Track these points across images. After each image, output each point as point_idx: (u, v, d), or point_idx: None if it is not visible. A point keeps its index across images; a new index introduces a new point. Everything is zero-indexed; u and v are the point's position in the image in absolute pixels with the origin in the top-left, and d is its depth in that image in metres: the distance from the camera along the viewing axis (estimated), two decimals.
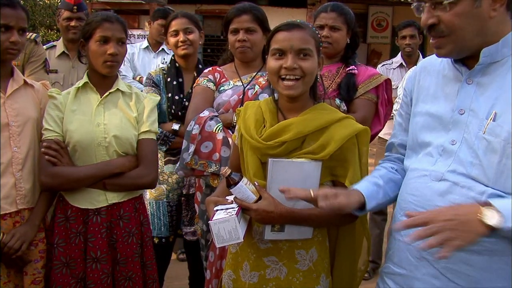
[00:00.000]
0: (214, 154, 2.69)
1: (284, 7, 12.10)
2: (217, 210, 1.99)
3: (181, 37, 3.31)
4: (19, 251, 2.33)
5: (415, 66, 2.01)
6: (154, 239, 3.27)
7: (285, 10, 11.93)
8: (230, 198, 2.04)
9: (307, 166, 1.98)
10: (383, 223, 4.81)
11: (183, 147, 2.76)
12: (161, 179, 3.31)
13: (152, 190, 3.32)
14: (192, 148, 2.69)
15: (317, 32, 2.08)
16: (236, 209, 1.95)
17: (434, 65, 1.85)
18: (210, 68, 3.05)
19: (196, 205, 3.07)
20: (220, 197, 2.13)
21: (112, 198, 2.46)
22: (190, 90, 3.28)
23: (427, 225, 1.46)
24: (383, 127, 3.07)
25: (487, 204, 1.45)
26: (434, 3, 1.61)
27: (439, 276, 1.66)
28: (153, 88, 3.31)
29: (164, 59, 5.28)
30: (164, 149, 3.21)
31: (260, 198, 1.97)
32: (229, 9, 2.93)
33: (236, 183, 1.94)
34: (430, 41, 1.69)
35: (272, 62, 2.02)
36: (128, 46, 2.59)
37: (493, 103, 1.61)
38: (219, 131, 2.70)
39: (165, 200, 3.31)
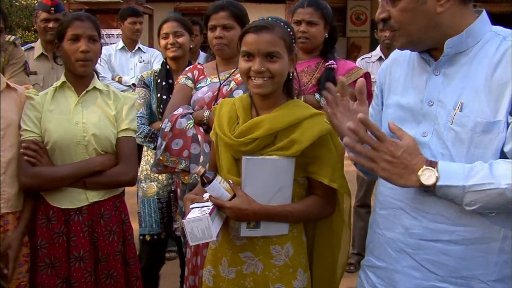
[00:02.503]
0: (184, 151, 2.71)
1: (263, 3, 12.11)
2: (192, 208, 2.00)
3: (170, 39, 3.49)
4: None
5: (387, 58, 2.02)
6: (146, 237, 3.36)
7: (264, 6, 11.95)
8: (206, 196, 2.05)
9: (281, 163, 2.00)
10: (367, 216, 4.83)
11: (158, 145, 2.79)
12: (152, 176, 3.37)
13: (144, 188, 3.39)
14: (163, 145, 2.72)
15: (289, 29, 2.07)
16: (211, 207, 1.97)
17: (404, 56, 1.87)
18: (191, 66, 3.07)
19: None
20: (197, 193, 2.15)
21: (93, 196, 2.46)
22: None
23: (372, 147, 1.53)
24: None
25: (433, 164, 1.51)
26: None
27: (419, 268, 1.68)
28: (144, 89, 3.44)
29: (141, 57, 5.32)
30: (153, 146, 3.29)
31: (234, 195, 1.99)
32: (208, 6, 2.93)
33: (210, 182, 1.95)
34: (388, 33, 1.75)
35: (242, 63, 2.04)
36: (104, 47, 2.58)
37: (459, 93, 1.62)
38: (190, 128, 2.71)
39: (155, 197, 3.37)
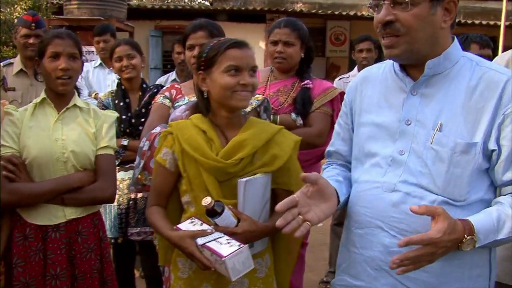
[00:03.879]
0: None
1: (243, 22, 12.19)
2: (204, 244, 1.90)
3: (124, 62, 3.68)
4: None
5: (355, 77, 2.06)
6: None
7: (244, 25, 12.02)
8: (187, 226, 2.01)
9: (267, 179, 2.05)
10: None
11: (135, 163, 2.79)
12: None
13: None
14: (141, 164, 2.72)
15: None
16: (225, 236, 1.92)
17: (375, 75, 1.91)
18: (169, 85, 3.10)
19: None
20: (170, 228, 2.07)
21: (71, 213, 2.45)
22: (137, 109, 3.62)
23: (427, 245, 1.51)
24: None
25: (469, 229, 1.54)
26: (394, 2, 1.66)
27: (398, 286, 1.70)
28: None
29: None
30: (116, 163, 3.37)
31: (239, 220, 1.98)
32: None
33: (221, 213, 1.92)
34: (382, 41, 1.73)
35: (227, 78, 2.00)
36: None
37: (438, 114, 1.68)
38: None
39: (116, 204, 3.49)
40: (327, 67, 13.59)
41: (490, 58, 2.88)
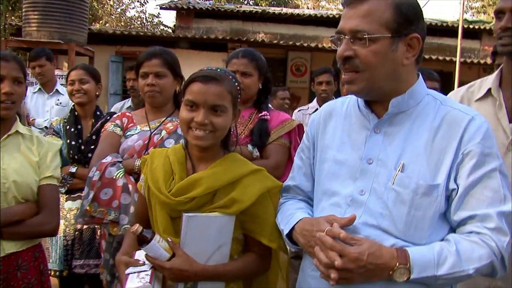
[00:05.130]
0: (113, 201, 2.61)
1: (204, 51, 12.21)
2: (129, 274, 1.88)
3: (76, 86, 3.66)
4: None
5: (318, 110, 2.01)
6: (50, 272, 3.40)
7: (206, 53, 12.05)
8: (141, 255, 1.94)
9: (222, 220, 1.93)
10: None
11: (84, 194, 2.68)
12: (61, 214, 3.29)
13: None
14: (91, 195, 2.61)
15: (236, 83, 2.03)
16: (149, 272, 1.87)
17: (339, 110, 1.86)
18: (120, 113, 3.02)
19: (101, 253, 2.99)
20: (128, 252, 2.02)
21: (10, 247, 2.29)
22: (88, 135, 3.55)
23: (340, 255, 1.50)
24: None
25: (403, 258, 1.50)
26: (353, 37, 1.63)
27: None
28: (54, 136, 3.50)
29: (58, 99, 5.26)
30: (63, 190, 3.37)
31: (173, 255, 1.89)
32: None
33: (148, 241, 1.84)
34: (343, 76, 1.69)
35: (184, 113, 1.95)
36: None
37: (400, 153, 1.64)
38: (120, 177, 2.63)
39: (62, 235, 3.41)
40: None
41: (437, 90, 2.90)
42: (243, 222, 1.98)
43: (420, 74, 1.74)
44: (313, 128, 1.94)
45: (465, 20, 12.62)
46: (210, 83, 1.92)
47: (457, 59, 10.34)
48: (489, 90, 2.25)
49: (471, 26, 13.64)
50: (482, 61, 12.38)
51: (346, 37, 1.64)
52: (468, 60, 12.36)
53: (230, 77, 2.02)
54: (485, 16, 20.51)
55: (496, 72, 2.29)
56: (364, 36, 1.60)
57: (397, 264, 1.49)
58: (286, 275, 2.23)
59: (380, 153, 1.67)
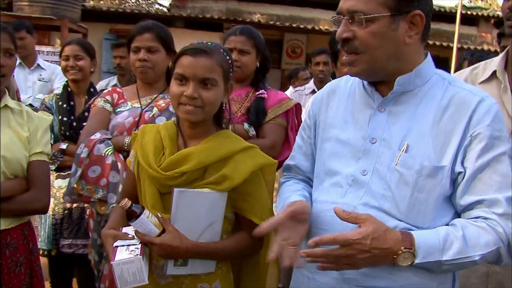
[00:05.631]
0: (101, 179, 2.55)
1: (199, 30, 12.08)
2: (117, 246, 1.83)
3: (70, 62, 3.56)
4: None
5: (322, 89, 1.95)
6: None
7: (201, 33, 11.90)
8: (129, 230, 1.90)
9: (213, 197, 1.88)
10: None
11: (72, 171, 2.61)
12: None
13: None
14: (78, 172, 2.54)
15: (227, 57, 1.99)
16: (139, 246, 1.82)
17: (343, 88, 1.80)
18: (110, 89, 2.94)
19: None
20: (115, 228, 1.98)
21: None
22: (81, 112, 3.48)
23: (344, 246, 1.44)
24: None
25: (408, 242, 1.45)
26: (351, 18, 1.57)
27: None
28: (46, 112, 3.45)
29: (41, 75, 5.14)
30: (53, 168, 3.28)
31: (163, 231, 1.84)
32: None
33: (137, 216, 1.79)
34: (343, 57, 1.64)
35: (174, 87, 1.91)
36: None
37: (405, 134, 1.59)
38: (109, 155, 2.56)
39: (51, 213, 3.34)
40: (282, 79, 13.60)
41: None
42: (234, 200, 1.94)
43: (429, 54, 1.67)
44: (315, 106, 1.89)
45: (463, 6, 12.55)
46: (200, 56, 1.88)
47: (455, 45, 10.28)
48: (494, 72, 2.19)
49: (469, 12, 13.57)
50: (479, 47, 12.33)
51: (345, 17, 1.58)
52: (465, 46, 12.31)
53: (222, 50, 1.98)
54: (483, 3, 20.44)
55: (501, 55, 2.23)
56: (361, 17, 1.54)
57: (403, 249, 1.44)
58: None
59: (384, 132, 1.62)
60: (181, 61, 1.91)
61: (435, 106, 1.58)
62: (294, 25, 12.32)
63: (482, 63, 2.31)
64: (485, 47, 12.54)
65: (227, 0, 13.25)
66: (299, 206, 1.63)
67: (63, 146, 3.37)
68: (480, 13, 13.92)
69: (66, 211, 3.37)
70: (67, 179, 3.20)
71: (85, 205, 3.21)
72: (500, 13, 13.96)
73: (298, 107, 3.02)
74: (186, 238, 1.86)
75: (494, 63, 2.22)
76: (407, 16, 1.56)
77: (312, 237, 1.70)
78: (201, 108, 1.89)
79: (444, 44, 12.16)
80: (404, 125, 1.60)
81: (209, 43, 1.97)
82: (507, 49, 2.22)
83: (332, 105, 1.81)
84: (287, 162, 2.00)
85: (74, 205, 3.32)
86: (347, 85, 1.79)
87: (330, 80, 5.10)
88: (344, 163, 1.67)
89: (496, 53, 3.89)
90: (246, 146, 1.99)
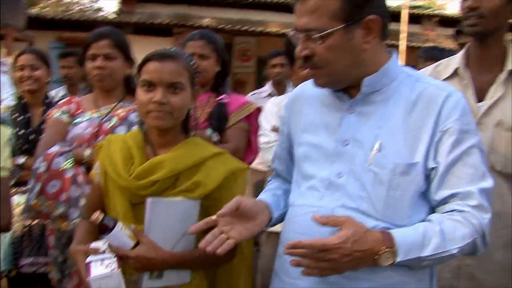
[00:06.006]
0: (62, 194, 2.45)
1: (149, 36, 11.94)
2: (90, 262, 1.77)
3: (26, 73, 3.43)
4: None
5: (290, 92, 1.96)
6: None
7: (151, 38, 11.77)
8: (99, 245, 1.83)
9: (187, 205, 1.86)
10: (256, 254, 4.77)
11: (29, 187, 2.51)
12: None
13: None
14: (37, 188, 2.45)
15: (192, 62, 1.98)
16: (115, 260, 1.76)
17: (311, 92, 1.79)
18: (67, 99, 2.84)
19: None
20: (84, 243, 1.91)
21: None
22: (38, 124, 3.35)
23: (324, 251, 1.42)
24: (255, 156, 3.05)
25: (389, 242, 1.45)
26: (306, 36, 1.57)
27: None
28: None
29: None
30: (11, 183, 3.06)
31: (137, 243, 1.80)
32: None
33: (111, 230, 1.74)
34: (306, 71, 1.65)
35: (141, 95, 1.87)
36: None
37: (377, 133, 1.59)
38: (69, 168, 2.48)
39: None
40: (233, 82, 13.61)
41: None
42: (207, 207, 1.91)
43: (393, 52, 1.69)
44: (286, 113, 1.89)
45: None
46: (166, 61, 1.86)
47: (404, 44, 10.52)
48: (456, 69, 2.24)
49: (414, 12, 13.94)
50: (423, 45, 12.64)
51: (300, 36, 1.59)
52: (412, 44, 12.59)
53: (186, 55, 1.98)
54: (425, 2, 21.03)
55: (462, 52, 2.28)
56: (316, 35, 1.55)
57: (383, 248, 1.44)
58: (250, 264, 2.16)
59: (356, 134, 1.62)
60: (147, 67, 1.88)
61: (404, 103, 1.60)
62: (243, 28, 12.30)
63: (444, 60, 2.36)
64: (430, 44, 12.86)
65: (176, 5, 13.15)
66: (244, 202, 1.62)
67: (20, 160, 3.24)
68: (422, 12, 14.34)
69: (25, 228, 3.20)
70: (26, 195, 3.10)
71: (46, 221, 3.11)
72: (443, 12, 14.52)
73: (259, 111, 3.02)
74: (161, 249, 1.82)
75: (456, 60, 2.27)
76: (361, 23, 1.56)
77: (285, 243, 1.71)
78: (170, 113, 1.86)
79: (390, 42, 12.42)
80: (375, 124, 1.60)
81: (172, 49, 1.96)
82: (467, 46, 2.28)
83: (302, 110, 1.80)
84: (271, 164, 2.04)
85: (34, 221, 3.17)
86: (316, 89, 1.78)
87: (287, 82, 5.16)
88: (319, 167, 1.67)
89: (447, 51, 4.00)
90: (217, 152, 1.98)
